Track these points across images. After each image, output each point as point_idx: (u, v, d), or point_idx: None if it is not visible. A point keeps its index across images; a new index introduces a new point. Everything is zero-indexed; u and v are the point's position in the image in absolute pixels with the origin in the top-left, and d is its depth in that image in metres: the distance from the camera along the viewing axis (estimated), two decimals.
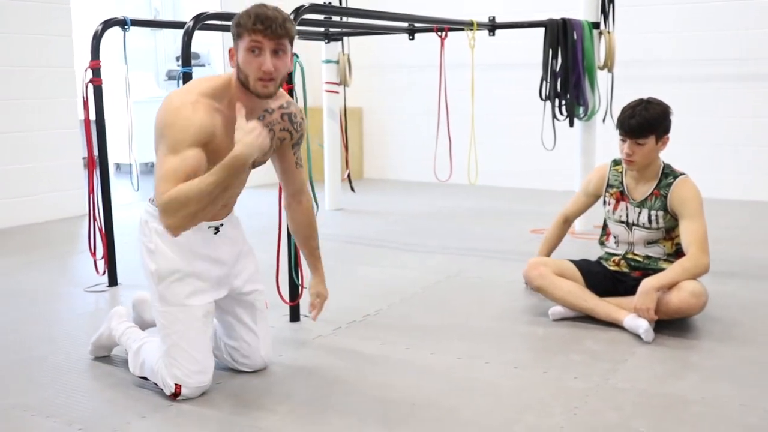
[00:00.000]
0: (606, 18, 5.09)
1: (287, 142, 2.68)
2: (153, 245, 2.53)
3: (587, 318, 3.31)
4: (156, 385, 2.61)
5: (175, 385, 2.52)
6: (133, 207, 6.46)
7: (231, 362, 2.79)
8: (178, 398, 2.54)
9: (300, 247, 2.94)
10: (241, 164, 2.25)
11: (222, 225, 2.62)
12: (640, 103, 3.24)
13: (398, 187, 7.61)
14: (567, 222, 3.66)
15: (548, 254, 3.63)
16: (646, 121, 3.18)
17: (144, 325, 2.97)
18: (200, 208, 2.25)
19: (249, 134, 2.26)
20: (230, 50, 2.42)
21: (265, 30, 2.31)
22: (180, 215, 2.25)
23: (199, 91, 2.39)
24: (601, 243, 3.51)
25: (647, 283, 3.10)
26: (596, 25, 5.05)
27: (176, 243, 2.50)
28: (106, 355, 2.98)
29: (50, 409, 2.53)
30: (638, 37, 6.67)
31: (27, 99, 5.74)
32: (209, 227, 2.57)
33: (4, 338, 3.24)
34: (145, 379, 2.67)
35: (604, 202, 3.46)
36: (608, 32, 5.07)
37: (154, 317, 2.73)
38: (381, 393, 2.64)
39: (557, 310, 3.37)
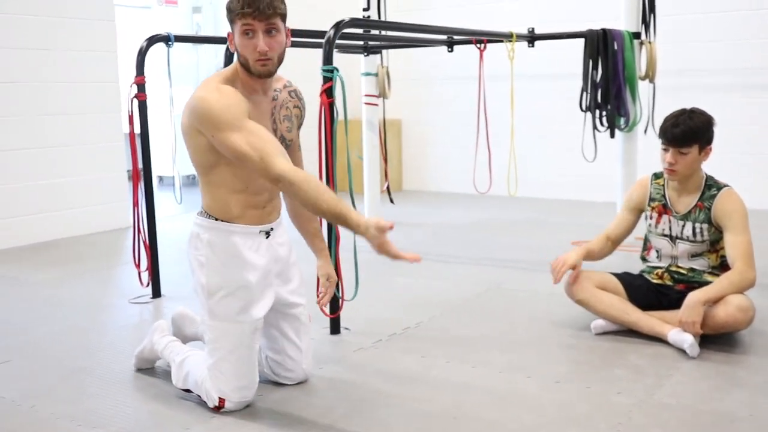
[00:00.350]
0: (647, 28, 5.04)
1: (298, 120, 2.72)
2: (204, 258, 2.55)
3: (630, 332, 3.27)
4: (199, 397, 2.64)
5: (219, 398, 2.54)
6: (176, 219, 6.56)
7: (272, 375, 2.80)
8: (221, 411, 2.56)
9: (301, 231, 2.89)
10: (349, 225, 2.27)
11: (272, 229, 2.63)
12: (684, 112, 3.20)
13: (437, 198, 7.61)
14: (610, 240, 3.50)
15: (584, 257, 3.48)
16: (690, 130, 3.14)
17: (184, 339, 3.00)
18: (303, 199, 2.32)
19: (377, 231, 2.22)
20: (228, 35, 2.48)
21: (254, 12, 2.36)
22: (312, 192, 2.31)
23: (219, 80, 2.45)
24: (643, 258, 3.45)
25: (693, 297, 3.06)
26: (637, 35, 5.00)
27: (227, 251, 2.52)
28: (149, 368, 3.02)
29: (95, 419, 2.57)
30: (680, 47, 6.59)
31: (74, 113, 5.86)
32: (260, 231, 2.58)
33: (51, 349, 3.31)
34: (188, 391, 2.69)
35: (646, 216, 3.41)
36: (649, 42, 5.02)
37: (201, 331, 2.77)
38: (422, 407, 2.63)
39: (599, 323, 3.33)
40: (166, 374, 2.90)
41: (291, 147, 2.72)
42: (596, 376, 2.86)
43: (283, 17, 2.45)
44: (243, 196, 2.51)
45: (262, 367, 2.81)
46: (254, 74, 2.45)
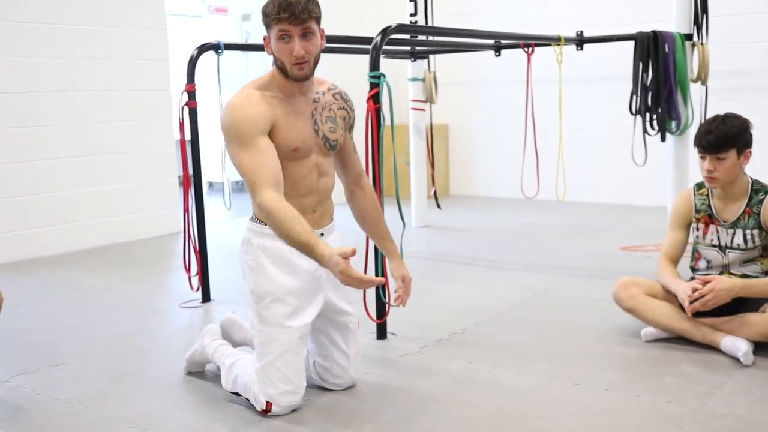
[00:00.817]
0: (699, 29, 4.96)
1: (346, 122, 2.72)
2: (254, 263, 2.59)
3: (682, 339, 3.21)
4: (247, 400, 2.66)
5: (267, 402, 2.57)
6: (226, 224, 6.65)
7: (319, 381, 2.82)
8: (268, 414, 2.58)
9: (370, 234, 2.91)
10: (315, 256, 2.30)
11: (323, 234, 2.65)
12: (717, 118, 3.15)
13: (484, 203, 7.57)
14: (673, 261, 3.37)
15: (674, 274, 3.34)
16: (724, 135, 3.08)
17: (233, 345, 3.03)
18: (277, 229, 2.37)
19: (340, 258, 2.24)
20: (264, 39, 2.50)
21: (289, 17, 2.39)
22: (277, 226, 2.37)
23: (250, 88, 2.51)
24: (692, 268, 3.38)
25: (728, 282, 3.03)
26: (689, 37, 4.92)
27: (278, 255, 2.56)
28: (199, 371, 3.07)
29: (147, 422, 2.62)
30: (734, 48, 6.45)
31: (126, 121, 5.99)
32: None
33: (105, 352, 3.38)
34: (237, 394, 2.72)
35: (693, 227, 3.33)
36: (701, 44, 4.94)
37: (249, 336, 2.79)
38: (468, 413, 2.63)
39: (650, 331, 3.28)
40: (216, 377, 2.94)
41: (343, 150, 2.74)
42: (646, 385, 2.82)
43: (318, 20, 2.48)
44: (289, 199, 2.51)
45: (310, 372, 2.83)
46: (291, 78, 2.50)
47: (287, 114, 2.52)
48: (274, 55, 2.49)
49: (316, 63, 2.52)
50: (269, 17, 2.43)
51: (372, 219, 2.84)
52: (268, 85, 2.53)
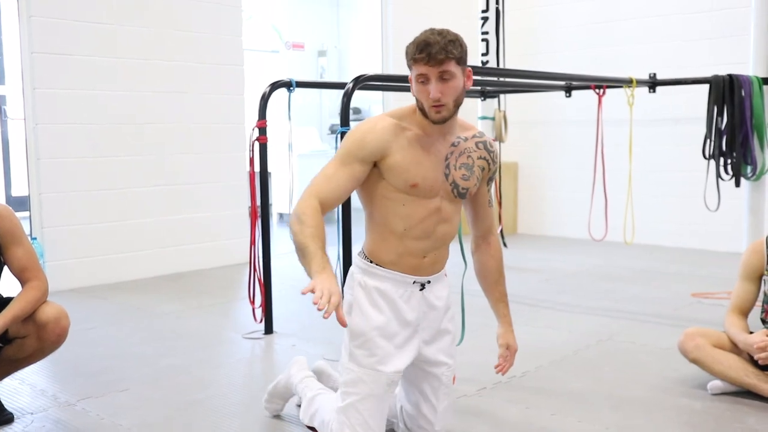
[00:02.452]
0: None
1: (485, 173, 2.59)
2: (352, 298, 2.51)
3: (751, 394, 3.10)
4: None
5: None
6: (293, 256, 6.73)
7: (404, 429, 2.69)
8: None
9: (487, 293, 2.77)
10: (307, 269, 2.26)
11: (429, 282, 2.54)
12: None
13: (552, 243, 7.49)
14: (743, 314, 3.27)
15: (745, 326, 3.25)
16: None
17: None
18: (291, 229, 2.33)
19: (325, 285, 2.20)
20: (408, 78, 2.44)
21: (426, 58, 2.32)
22: (293, 227, 2.33)
23: (387, 114, 2.48)
24: (763, 321, 3.27)
25: None
26: (767, 81, 4.80)
27: (377, 297, 2.47)
28: (277, 413, 2.99)
29: None
30: None
31: (202, 152, 6.18)
32: (414, 282, 2.50)
33: (169, 380, 3.46)
34: (313, 429, 2.65)
35: (765, 280, 3.22)
36: None
37: (337, 385, 2.66)
38: None
39: (717, 384, 3.18)
40: (278, 415, 2.97)
41: (477, 200, 2.64)
42: None
43: (459, 60, 2.36)
44: (401, 240, 2.45)
45: (396, 417, 2.72)
46: (430, 119, 2.41)
47: (415, 149, 2.43)
48: (413, 91, 2.44)
49: (457, 106, 2.41)
50: (408, 57, 2.38)
51: (492, 278, 2.73)
52: (407, 116, 2.47)
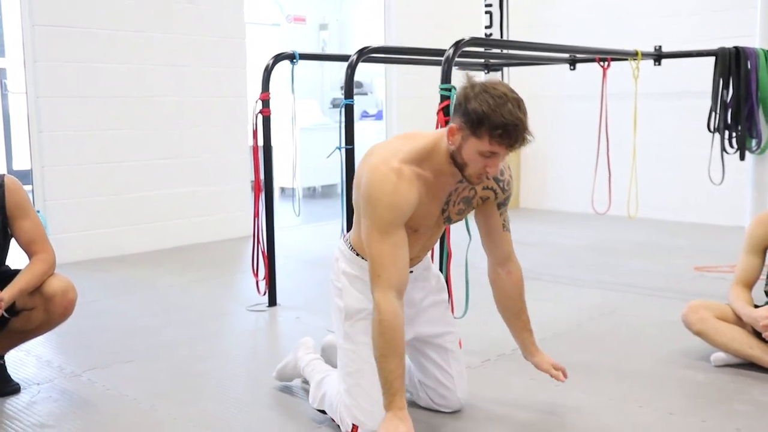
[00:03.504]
0: None
1: (491, 201, 2.54)
2: (341, 284, 2.54)
3: (754, 366, 3.10)
4: (333, 420, 2.59)
5: (353, 425, 2.46)
6: (295, 230, 6.75)
7: (428, 401, 2.72)
8: None
9: (509, 322, 2.70)
10: (385, 397, 2.27)
11: (411, 272, 2.54)
12: None
13: (554, 217, 7.48)
14: (748, 286, 3.25)
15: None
16: None
17: (333, 366, 2.91)
18: (373, 339, 2.30)
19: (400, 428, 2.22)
20: (451, 128, 2.26)
21: (508, 143, 2.21)
22: (377, 336, 2.29)
23: (403, 157, 2.30)
24: (767, 293, 3.27)
25: None
26: None
27: (362, 285, 2.49)
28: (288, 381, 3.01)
29: (210, 422, 2.69)
30: None
31: (204, 126, 6.16)
32: None
33: (174, 353, 3.47)
34: (323, 412, 2.65)
35: None
36: None
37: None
38: (528, 430, 2.60)
39: (720, 356, 3.19)
40: (278, 384, 2.99)
41: (491, 226, 2.58)
42: (714, 411, 2.74)
43: None
44: None
45: (418, 392, 2.74)
46: (466, 181, 2.34)
47: (427, 196, 2.37)
48: (458, 151, 2.27)
49: None
50: (484, 127, 2.18)
51: (515, 307, 2.67)
52: (425, 159, 2.33)
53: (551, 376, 2.68)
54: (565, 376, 2.70)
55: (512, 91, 2.24)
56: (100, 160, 5.57)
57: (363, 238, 2.32)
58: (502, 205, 2.57)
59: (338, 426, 2.55)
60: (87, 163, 5.51)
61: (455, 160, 2.30)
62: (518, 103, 2.22)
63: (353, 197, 2.47)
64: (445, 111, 3.21)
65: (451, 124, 2.28)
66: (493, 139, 2.19)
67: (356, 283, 2.52)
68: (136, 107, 5.74)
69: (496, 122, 2.17)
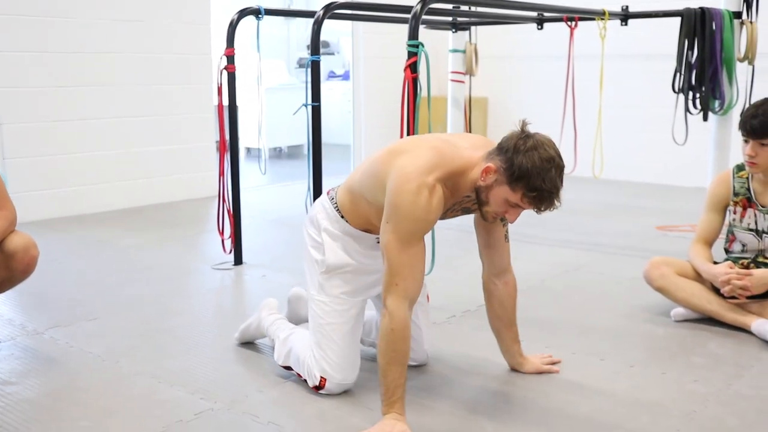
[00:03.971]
0: (749, 7, 4.83)
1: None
2: (321, 240, 2.54)
3: (711, 321, 3.18)
4: (299, 376, 2.60)
5: (321, 377, 2.49)
6: (261, 190, 6.71)
7: None
8: (321, 392, 2.51)
9: (500, 332, 2.69)
10: (384, 402, 2.26)
11: None
12: (765, 101, 3.05)
13: None
14: (708, 244, 3.31)
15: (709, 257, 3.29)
16: None
17: (298, 320, 2.97)
18: (379, 346, 2.28)
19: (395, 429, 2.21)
20: (489, 167, 2.23)
21: (538, 206, 2.21)
22: (385, 343, 2.25)
23: (438, 175, 2.26)
24: (726, 250, 3.33)
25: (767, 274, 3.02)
26: (738, 15, 4.79)
27: (343, 244, 2.50)
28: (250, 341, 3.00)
29: (174, 378, 2.68)
30: None
31: (166, 84, 6.05)
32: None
33: (138, 310, 3.45)
34: (289, 368, 2.66)
35: (730, 210, 3.26)
36: (750, 22, 4.81)
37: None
38: (492, 384, 2.64)
39: (680, 311, 3.25)
40: (250, 345, 2.98)
41: (491, 234, 2.55)
42: (672, 363, 2.80)
43: None
44: (378, 221, 2.39)
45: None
46: (483, 218, 2.37)
47: (442, 207, 2.34)
48: (487, 191, 2.26)
49: None
50: (521, 183, 2.17)
51: (508, 317, 2.66)
52: (452, 179, 2.30)
53: (547, 372, 2.71)
54: (556, 363, 2.77)
55: (560, 156, 2.22)
56: (59, 117, 5.46)
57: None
58: (504, 218, 2.53)
59: (304, 381, 2.57)
60: (46, 120, 5.39)
61: (479, 194, 2.30)
62: (561, 171, 2.21)
63: (366, 175, 2.43)
64: (411, 68, 3.19)
65: (490, 164, 2.23)
66: (526, 197, 2.19)
67: (338, 241, 2.51)
68: (97, 63, 5.62)
69: (536, 185, 2.16)
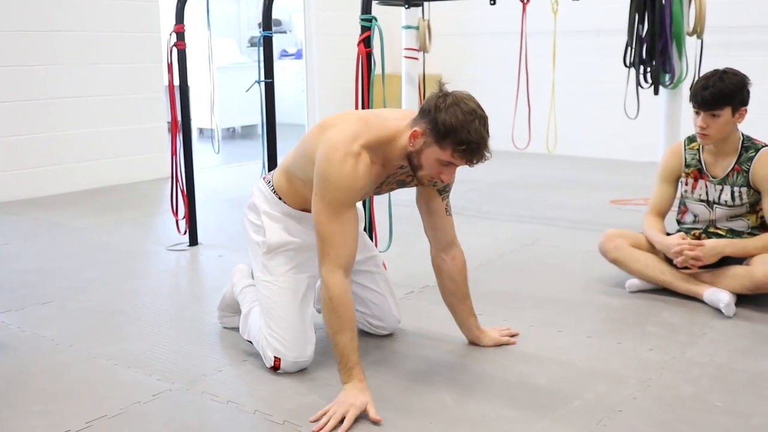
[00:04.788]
0: None
1: (430, 186, 2.52)
2: (260, 222, 2.56)
3: (665, 291, 3.23)
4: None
5: (275, 358, 2.48)
6: (215, 171, 6.63)
7: (367, 326, 2.77)
8: (278, 372, 2.50)
9: (454, 308, 2.70)
10: (342, 372, 2.25)
11: None
12: (715, 73, 3.09)
13: None
14: (660, 215, 3.36)
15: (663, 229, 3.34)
16: (720, 92, 3.04)
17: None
18: (325, 317, 2.29)
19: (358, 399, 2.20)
20: (415, 132, 2.24)
21: (469, 159, 2.22)
22: (328, 313, 2.27)
23: (364, 143, 2.28)
24: (678, 221, 3.39)
25: (717, 242, 3.09)
26: None
27: (284, 225, 2.53)
28: (234, 325, 2.87)
29: (131, 359, 2.64)
30: (731, 3, 6.38)
31: (115, 63, 5.92)
32: None
33: (92, 293, 3.39)
34: (251, 343, 2.66)
35: (681, 181, 3.31)
36: None
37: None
38: (452, 357, 2.65)
39: (634, 282, 3.30)
40: (202, 320, 2.95)
41: (433, 210, 2.58)
42: (628, 333, 2.85)
43: None
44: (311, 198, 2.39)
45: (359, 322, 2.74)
46: (417, 182, 2.39)
47: (373, 180, 2.37)
48: (417, 154, 2.26)
49: None
50: (449, 140, 2.18)
51: (460, 292, 2.66)
52: (379, 148, 2.31)
53: (506, 344, 2.74)
54: (515, 335, 2.79)
55: (480, 108, 2.25)
56: (7, 98, 5.30)
57: (313, 212, 2.30)
58: (442, 191, 2.56)
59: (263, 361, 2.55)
60: None
61: (411, 160, 2.30)
62: (484, 121, 2.23)
63: (297, 160, 2.44)
64: (365, 42, 3.16)
65: (416, 128, 2.25)
66: (455, 152, 2.21)
67: (278, 221, 2.54)
68: (44, 42, 5.47)
69: (462, 138, 2.18)
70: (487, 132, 2.25)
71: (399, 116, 2.41)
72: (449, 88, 2.28)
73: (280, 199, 2.55)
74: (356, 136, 2.29)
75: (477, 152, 2.22)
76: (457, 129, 2.18)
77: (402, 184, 2.52)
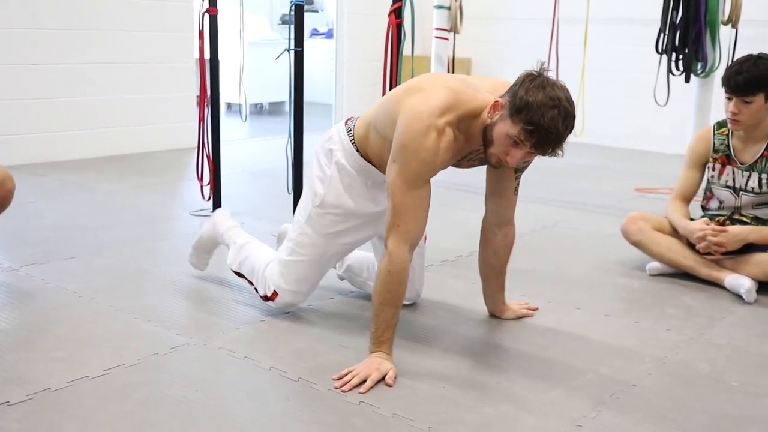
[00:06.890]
0: None
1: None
2: (330, 172, 2.50)
3: (686, 275, 3.21)
4: (249, 283, 2.70)
5: (274, 291, 2.56)
6: (241, 143, 6.66)
7: None
8: (268, 302, 2.62)
9: (488, 280, 2.70)
10: (372, 340, 2.27)
11: None
12: (749, 58, 3.05)
13: None
14: (686, 200, 3.34)
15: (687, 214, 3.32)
16: (754, 78, 2.99)
17: None
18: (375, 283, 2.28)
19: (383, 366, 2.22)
20: (497, 102, 2.18)
21: (536, 144, 2.11)
22: (381, 284, 2.25)
23: (450, 119, 2.20)
24: (703, 207, 3.36)
25: (741, 229, 3.07)
26: None
27: (349, 182, 2.48)
28: (204, 268, 3.05)
29: (150, 314, 2.67)
30: None
31: (148, 31, 5.94)
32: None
33: (117, 252, 3.42)
34: (240, 275, 2.74)
35: (708, 167, 3.28)
36: None
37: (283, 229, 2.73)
38: (469, 329, 2.66)
39: (655, 265, 3.28)
40: (222, 281, 2.98)
41: (504, 185, 2.52)
42: (647, 314, 2.84)
43: None
44: (386, 156, 2.33)
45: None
46: (488, 162, 2.32)
47: (451, 160, 2.32)
48: (492, 132, 2.18)
49: None
50: (521, 115, 2.09)
51: (499, 267, 2.66)
52: (465, 121, 2.24)
53: (524, 315, 2.75)
54: (534, 309, 2.81)
55: (569, 102, 2.11)
56: (40, 61, 5.36)
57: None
58: (519, 170, 2.49)
59: (260, 296, 2.65)
60: (27, 63, 5.29)
61: (485, 134, 2.22)
62: (566, 114, 2.09)
63: (380, 116, 2.38)
64: (396, 13, 3.17)
65: (498, 99, 2.19)
66: (523, 131, 2.10)
67: (345, 179, 2.48)
68: (79, 7, 5.50)
69: (534, 119, 2.07)
70: (566, 127, 2.10)
71: (490, 88, 2.31)
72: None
73: (357, 151, 2.48)
74: (443, 109, 2.20)
75: (545, 140, 2.10)
76: (532, 108, 2.07)
77: (483, 162, 2.42)
